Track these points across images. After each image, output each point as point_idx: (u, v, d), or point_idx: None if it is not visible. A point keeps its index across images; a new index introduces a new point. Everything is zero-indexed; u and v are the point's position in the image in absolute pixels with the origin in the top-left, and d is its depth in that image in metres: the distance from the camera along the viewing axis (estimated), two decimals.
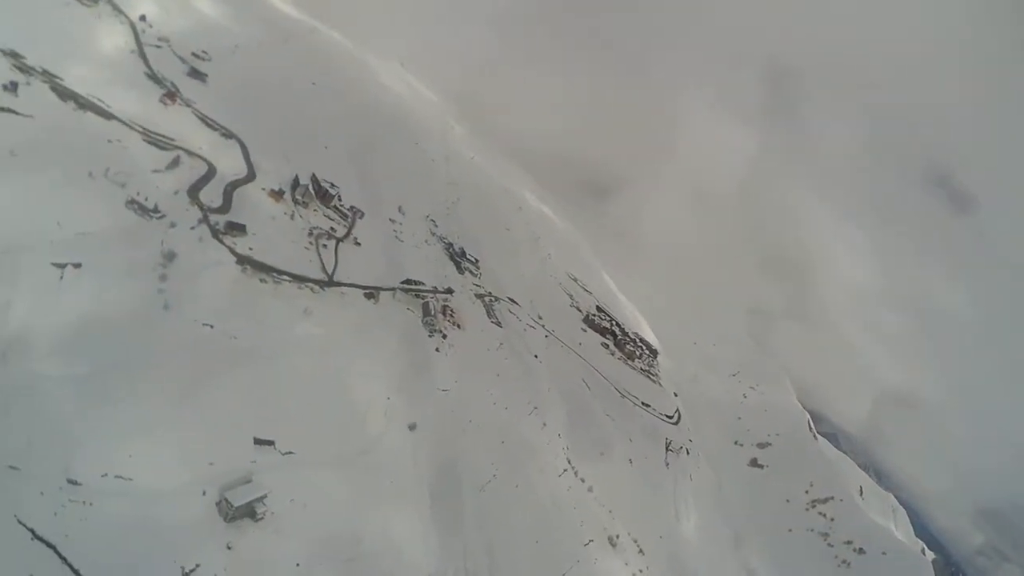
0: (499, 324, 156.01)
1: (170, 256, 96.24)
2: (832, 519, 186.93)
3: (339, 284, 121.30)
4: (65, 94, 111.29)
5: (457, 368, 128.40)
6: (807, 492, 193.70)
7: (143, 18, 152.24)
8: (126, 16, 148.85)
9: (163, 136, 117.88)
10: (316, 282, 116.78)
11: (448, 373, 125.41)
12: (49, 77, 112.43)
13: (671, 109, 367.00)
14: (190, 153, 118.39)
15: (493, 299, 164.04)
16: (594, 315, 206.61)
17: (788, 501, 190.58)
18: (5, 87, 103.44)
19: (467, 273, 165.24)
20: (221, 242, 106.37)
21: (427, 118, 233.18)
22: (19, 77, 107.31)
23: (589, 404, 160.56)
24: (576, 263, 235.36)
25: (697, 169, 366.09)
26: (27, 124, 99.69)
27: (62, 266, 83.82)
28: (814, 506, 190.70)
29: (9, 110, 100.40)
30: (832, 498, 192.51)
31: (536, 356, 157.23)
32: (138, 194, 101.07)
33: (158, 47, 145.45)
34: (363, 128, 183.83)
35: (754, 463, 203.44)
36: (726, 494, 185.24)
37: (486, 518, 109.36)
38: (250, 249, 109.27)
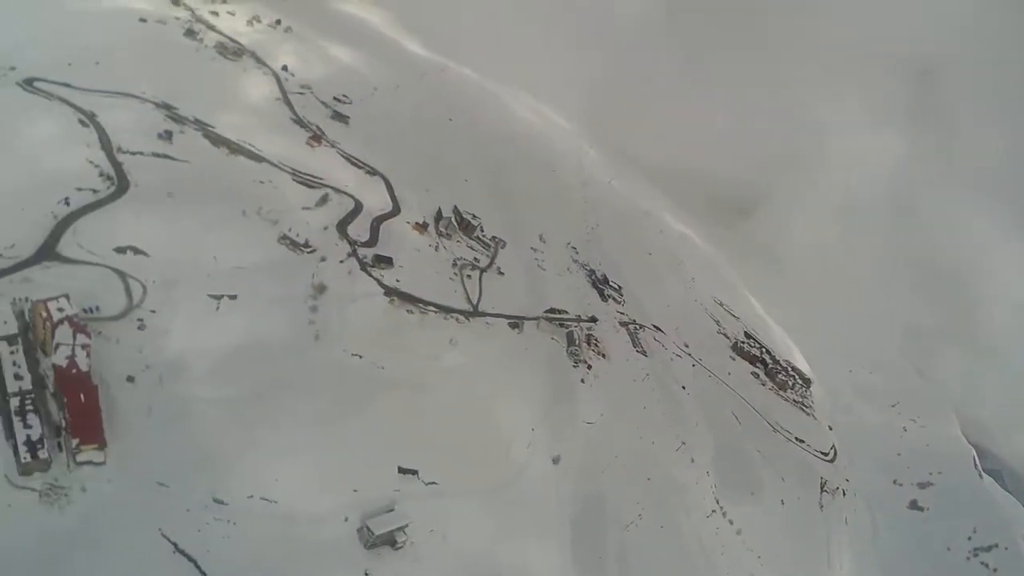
0: (644, 353, 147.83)
1: (321, 288, 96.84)
2: (995, 570, 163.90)
3: (484, 314, 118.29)
4: (217, 140, 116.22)
5: (602, 399, 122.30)
6: (970, 539, 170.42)
7: (285, 68, 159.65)
8: (269, 67, 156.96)
9: (311, 176, 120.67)
10: (461, 312, 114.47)
11: (593, 405, 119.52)
12: (201, 125, 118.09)
13: (814, 118, 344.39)
14: (337, 191, 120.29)
15: (638, 327, 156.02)
16: (743, 342, 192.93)
17: (949, 549, 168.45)
18: (160, 135, 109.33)
19: (610, 300, 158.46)
20: (369, 274, 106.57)
21: (561, 144, 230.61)
22: (173, 126, 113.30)
23: (739, 439, 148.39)
24: (721, 286, 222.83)
25: (845, 180, 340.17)
26: (183, 168, 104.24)
27: (218, 297, 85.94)
28: (976, 555, 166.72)
29: (166, 156, 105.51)
30: (996, 546, 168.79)
31: (683, 387, 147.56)
32: (290, 230, 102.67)
33: (301, 94, 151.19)
34: (500, 159, 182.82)
35: (914, 505, 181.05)
36: (882, 539, 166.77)
37: (629, 559, 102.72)
38: (397, 281, 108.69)
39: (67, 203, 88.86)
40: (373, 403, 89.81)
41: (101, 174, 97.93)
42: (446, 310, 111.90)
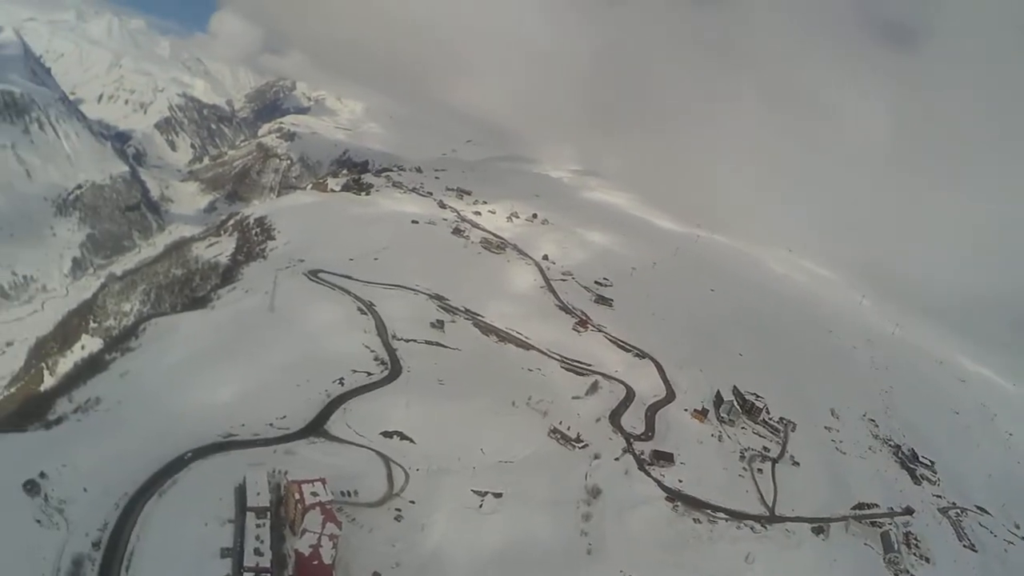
0: (973, 547, 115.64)
1: (594, 492, 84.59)
2: None
3: (783, 519, 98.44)
4: (487, 329, 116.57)
5: None
6: None
7: (546, 257, 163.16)
8: (531, 258, 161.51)
9: (580, 362, 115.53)
10: (756, 518, 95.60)
11: None
12: (471, 315, 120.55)
13: None
14: (607, 377, 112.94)
15: (960, 512, 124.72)
16: None
17: None
18: (433, 324, 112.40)
19: (924, 482, 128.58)
20: (648, 474, 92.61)
21: (832, 298, 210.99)
22: (445, 316, 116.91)
23: None
24: None
25: None
26: (454, 356, 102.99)
27: (482, 494, 77.19)
28: None
29: (438, 344, 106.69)
30: None
31: None
32: (560, 423, 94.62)
33: (564, 280, 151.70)
34: (770, 325, 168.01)
35: None
36: None
37: None
38: (680, 481, 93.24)
39: (341, 383, 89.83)
40: None
41: (376, 359, 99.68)
42: (739, 516, 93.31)
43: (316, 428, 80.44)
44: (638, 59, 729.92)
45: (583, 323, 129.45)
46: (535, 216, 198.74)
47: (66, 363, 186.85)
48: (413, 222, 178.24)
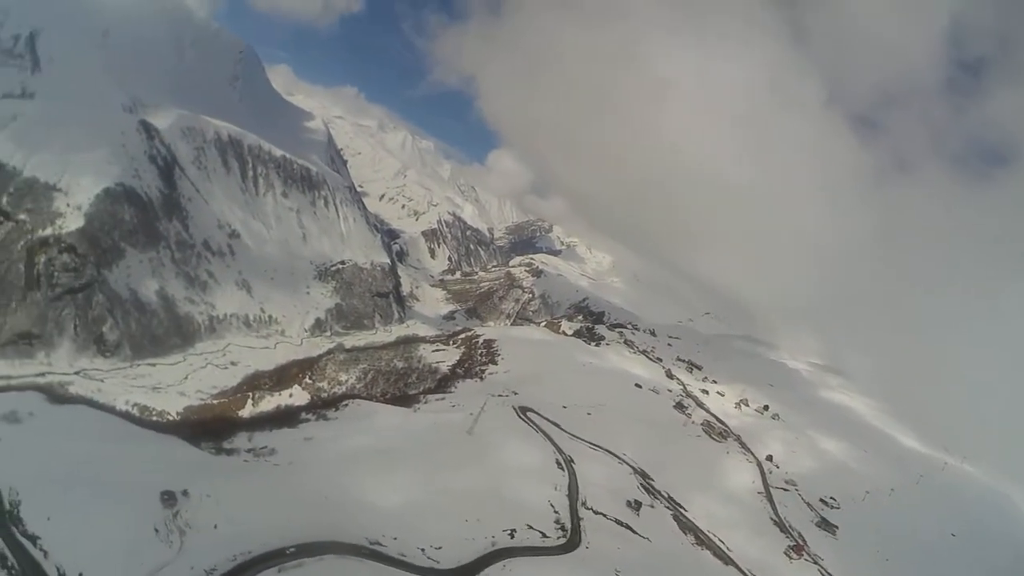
0: None
1: None
2: None
3: None
4: (686, 526, 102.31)
5: None
6: None
7: (770, 458, 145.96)
8: (753, 455, 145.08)
9: None
10: None
11: None
12: (673, 505, 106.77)
13: None
14: None
15: None
16: None
17: None
18: (628, 503, 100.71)
19: None
20: None
21: None
22: (644, 497, 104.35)
23: None
24: None
25: None
26: (641, 546, 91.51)
27: None
28: None
29: (627, 526, 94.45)
30: None
31: None
32: None
33: (785, 490, 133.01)
34: None
35: None
36: None
37: None
38: None
39: (512, 535, 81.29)
40: None
41: (557, 522, 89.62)
42: None
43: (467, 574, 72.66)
44: (903, 248, 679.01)
45: (798, 548, 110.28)
46: (766, 408, 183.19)
47: (270, 402, 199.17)
48: (637, 385, 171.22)
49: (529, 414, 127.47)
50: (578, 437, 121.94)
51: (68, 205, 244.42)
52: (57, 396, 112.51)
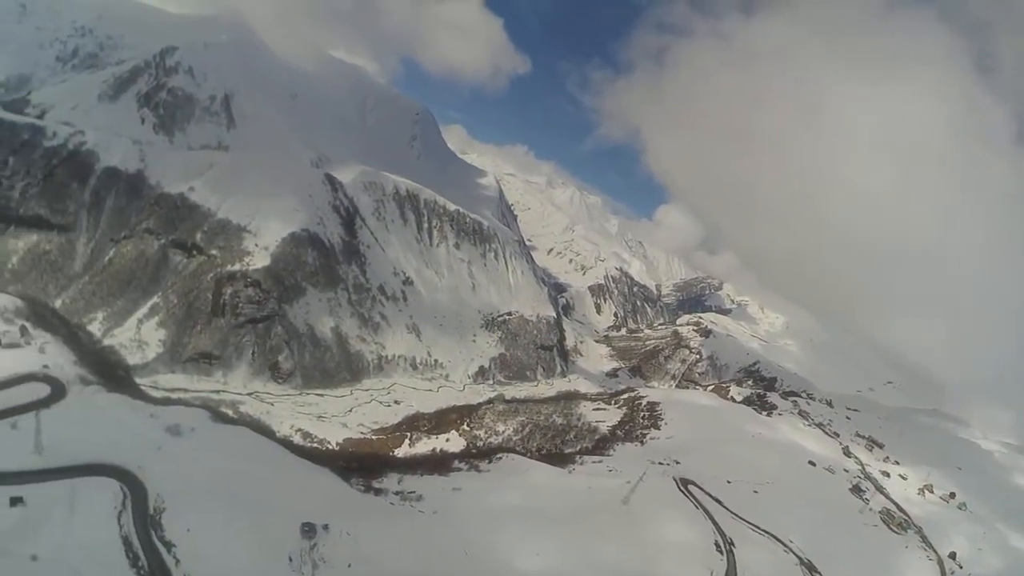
0: None
1: None
2: None
3: None
4: None
5: None
6: None
7: (953, 556, 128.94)
8: (935, 552, 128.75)
9: None
10: None
11: None
12: None
13: None
14: None
15: None
16: None
17: None
18: None
19: None
20: None
21: None
22: None
23: None
24: None
25: None
26: None
27: None
28: None
29: None
30: None
31: None
32: None
33: None
34: None
35: None
36: None
37: None
38: None
39: None
40: None
41: None
42: None
43: None
44: None
45: None
46: (952, 496, 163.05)
47: (426, 444, 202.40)
48: (810, 463, 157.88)
49: (690, 487, 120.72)
50: (741, 517, 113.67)
51: (256, 245, 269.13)
52: (221, 416, 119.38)
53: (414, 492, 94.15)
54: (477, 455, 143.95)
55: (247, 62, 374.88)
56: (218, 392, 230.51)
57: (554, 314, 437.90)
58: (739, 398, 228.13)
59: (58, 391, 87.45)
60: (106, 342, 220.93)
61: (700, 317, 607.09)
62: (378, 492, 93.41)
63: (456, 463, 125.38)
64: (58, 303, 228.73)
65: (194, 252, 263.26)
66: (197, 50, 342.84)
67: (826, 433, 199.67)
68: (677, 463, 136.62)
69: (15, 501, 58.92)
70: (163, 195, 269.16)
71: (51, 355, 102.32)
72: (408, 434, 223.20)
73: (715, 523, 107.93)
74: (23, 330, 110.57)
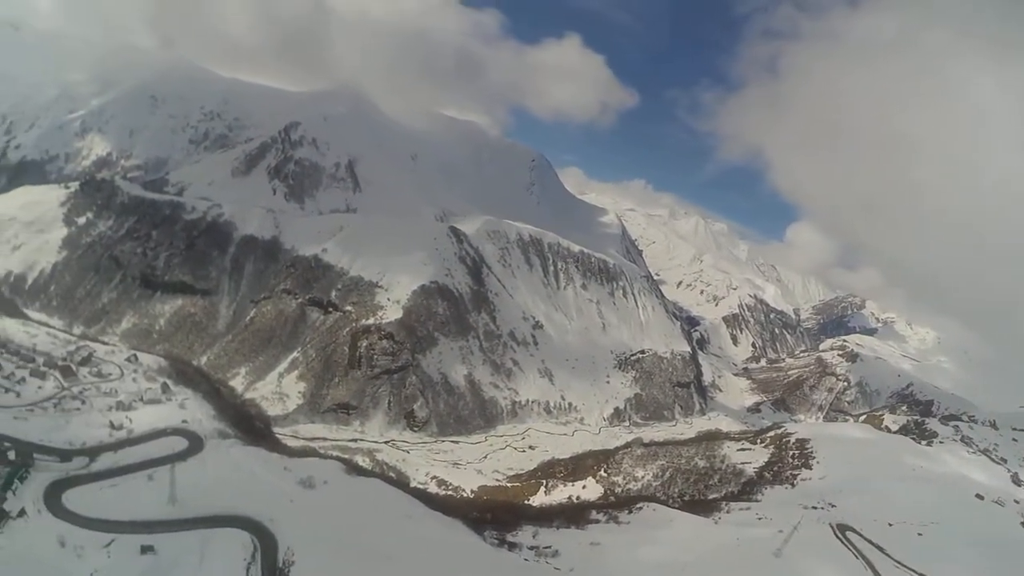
0: None
1: None
2: None
3: None
4: None
5: None
6: None
7: None
8: None
9: None
10: None
11: None
12: None
13: None
14: None
15: None
16: None
17: None
18: None
19: None
20: None
21: None
22: None
23: None
24: None
25: None
26: None
27: None
28: None
29: None
30: None
31: None
32: None
33: None
34: None
35: None
36: None
37: None
38: None
39: None
40: None
41: None
42: None
43: None
44: None
45: None
46: None
47: (562, 492, 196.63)
48: (978, 496, 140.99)
49: (848, 533, 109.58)
50: (905, 566, 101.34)
51: (388, 299, 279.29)
52: (355, 467, 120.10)
53: (550, 547, 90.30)
54: (616, 504, 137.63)
55: (366, 129, 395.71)
56: (355, 441, 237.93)
57: (689, 349, 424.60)
58: (895, 427, 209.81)
59: (195, 444, 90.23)
60: (248, 395, 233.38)
61: (844, 340, 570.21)
62: (512, 547, 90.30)
63: (594, 514, 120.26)
64: (203, 360, 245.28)
65: (330, 309, 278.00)
66: (318, 123, 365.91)
67: (992, 460, 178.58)
68: (832, 506, 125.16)
69: (146, 549, 60.34)
70: (298, 258, 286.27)
71: (191, 410, 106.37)
72: (544, 481, 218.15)
73: (877, 575, 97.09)
74: (164, 387, 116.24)
